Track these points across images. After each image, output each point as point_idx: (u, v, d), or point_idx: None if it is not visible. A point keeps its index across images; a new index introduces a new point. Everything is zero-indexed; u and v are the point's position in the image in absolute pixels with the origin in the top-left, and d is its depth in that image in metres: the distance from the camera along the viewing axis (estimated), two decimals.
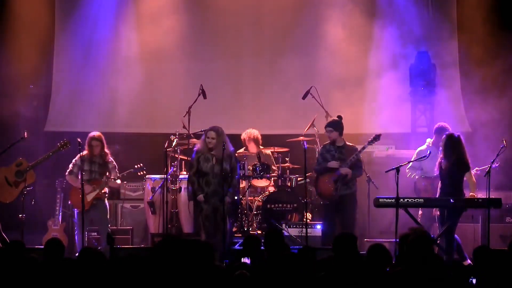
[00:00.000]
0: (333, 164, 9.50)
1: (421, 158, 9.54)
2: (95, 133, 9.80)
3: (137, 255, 5.71)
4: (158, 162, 10.20)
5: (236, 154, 10.15)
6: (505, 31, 11.57)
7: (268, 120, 12.01)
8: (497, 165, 9.53)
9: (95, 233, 10.22)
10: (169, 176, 10.13)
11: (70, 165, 9.82)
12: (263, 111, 12.23)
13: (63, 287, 5.88)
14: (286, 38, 12.36)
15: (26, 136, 10.09)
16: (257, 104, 12.35)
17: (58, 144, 9.98)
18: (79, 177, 9.55)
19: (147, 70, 12.32)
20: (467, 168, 9.05)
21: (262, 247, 6.84)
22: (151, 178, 10.56)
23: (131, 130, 12.29)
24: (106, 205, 9.85)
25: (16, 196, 9.98)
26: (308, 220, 10.09)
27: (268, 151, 11.14)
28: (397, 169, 8.66)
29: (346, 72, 11.94)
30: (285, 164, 10.97)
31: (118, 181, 9.89)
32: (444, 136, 9.15)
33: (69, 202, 10.01)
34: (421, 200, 9.04)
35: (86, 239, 9.67)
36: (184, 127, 10.27)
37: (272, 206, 10.45)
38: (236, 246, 9.55)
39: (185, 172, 10.46)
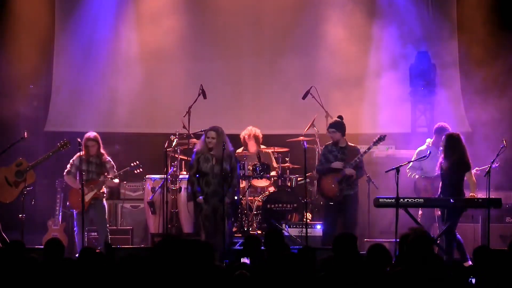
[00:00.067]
0: (337, 164, 9.48)
1: (421, 158, 9.54)
2: (91, 134, 9.80)
3: (137, 255, 5.70)
4: (158, 162, 10.20)
5: (236, 154, 10.16)
6: (505, 31, 11.57)
7: (268, 120, 12.00)
8: (497, 165, 9.53)
9: (95, 233, 10.21)
10: (169, 176, 10.13)
11: (68, 166, 9.83)
12: (263, 111, 12.23)
13: (63, 287, 5.88)
14: (286, 38, 12.35)
15: (26, 136, 10.10)
16: (257, 104, 12.35)
17: (58, 144, 9.99)
18: (77, 177, 9.58)
19: (147, 70, 12.31)
20: (467, 168, 9.05)
21: (262, 247, 6.84)
22: (151, 178, 10.56)
23: (131, 130, 12.29)
24: (104, 205, 9.86)
25: (16, 196, 9.98)
26: (308, 220, 10.09)
27: (267, 150, 11.13)
28: (397, 169, 8.66)
29: (346, 72, 11.94)
30: (285, 164, 10.97)
31: (116, 180, 9.90)
32: (444, 136, 9.16)
33: (68, 203, 10.01)
34: (421, 200, 9.04)
35: (86, 239, 9.67)
36: (184, 127, 10.27)
37: (272, 206, 10.45)
38: (236, 246, 9.55)
39: (185, 172, 10.46)
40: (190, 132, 10.32)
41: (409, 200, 8.87)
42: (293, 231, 10.05)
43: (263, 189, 10.88)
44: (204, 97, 10.45)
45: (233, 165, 9.32)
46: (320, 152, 10.41)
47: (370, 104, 11.96)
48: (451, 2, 12.19)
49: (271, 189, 10.86)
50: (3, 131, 11.38)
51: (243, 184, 10.59)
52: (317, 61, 12.15)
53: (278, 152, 11.00)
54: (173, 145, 10.23)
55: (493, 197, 8.96)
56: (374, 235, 10.18)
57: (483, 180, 9.11)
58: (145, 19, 12.36)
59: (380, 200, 8.85)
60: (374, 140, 9.61)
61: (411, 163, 9.74)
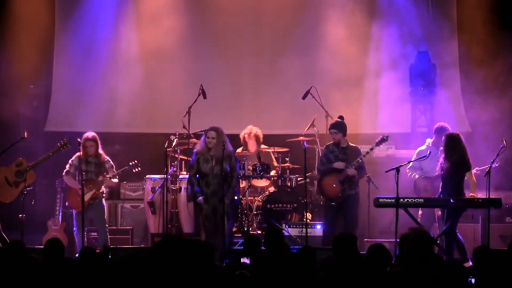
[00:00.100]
0: (339, 165, 9.47)
1: (421, 158, 9.54)
2: (89, 134, 9.80)
3: (137, 255, 5.70)
4: (158, 162, 10.20)
5: (236, 154, 10.16)
6: (505, 31, 11.56)
7: (268, 120, 12.00)
8: (497, 165, 9.52)
9: (95, 233, 10.21)
10: (169, 176, 10.13)
11: (67, 166, 9.82)
12: (263, 111, 12.23)
13: (63, 287, 5.88)
14: (286, 38, 12.35)
15: (26, 136, 10.10)
16: (257, 104, 12.35)
17: (58, 144, 9.99)
18: (76, 178, 9.59)
19: (147, 70, 12.31)
20: (468, 168, 9.05)
21: (262, 247, 6.84)
22: (151, 178, 10.56)
23: (131, 130, 12.29)
24: (103, 205, 9.86)
25: (16, 196, 9.98)
26: (308, 220, 10.09)
27: (268, 150, 11.12)
28: (397, 169, 8.66)
29: (346, 72, 11.94)
30: (285, 164, 10.97)
31: (115, 180, 9.90)
32: (444, 136, 9.16)
33: (67, 204, 10.00)
34: (421, 200, 9.04)
35: (85, 239, 9.67)
36: (184, 127, 10.27)
37: (272, 206, 10.45)
38: (236, 246, 9.55)
39: (185, 172, 10.46)
40: (190, 132, 10.33)
41: (409, 200, 8.87)
42: (293, 231, 10.05)
43: (263, 189, 10.88)
44: (204, 97, 10.45)
45: (233, 165, 9.32)
46: (320, 152, 10.42)
47: (370, 104, 11.97)
48: (451, 2, 12.19)
49: (271, 189, 10.86)
50: (3, 131, 11.38)
51: (243, 184, 10.59)
52: (317, 61, 12.15)
53: (278, 152, 10.99)
54: (173, 145, 10.23)
55: (493, 197, 8.96)
56: (374, 235, 10.18)
57: (483, 180, 9.11)
58: (145, 19, 12.36)
59: (380, 200, 8.85)
60: (377, 140, 9.60)
61: (411, 163, 9.74)
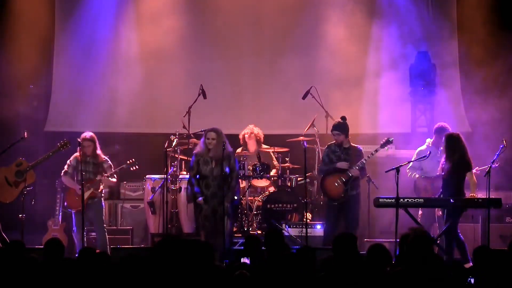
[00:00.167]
0: (342, 165, 9.45)
1: (421, 158, 9.54)
2: (87, 134, 9.79)
3: (137, 255, 5.70)
4: (158, 162, 10.20)
5: (236, 154, 10.15)
6: (505, 31, 11.56)
7: (268, 120, 11.99)
8: (497, 165, 9.52)
9: (95, 233, 10.20)
10: (169, 176, 10.13)
11: (65, 166, 9.83)
12: (263, 111, 12.22)
13: (63, 287, 5.88)
14: (286, 38, 12.35)
15: (26, 136, 10.09)
16: (257, 104, 12.35)
17: (58, 144, 9.98)
18: (74, 178, 9.59)
19: (147, 70, 12.31)
20: (468, 168, 9.04)
21: (263, 247, 6.85)
22: (151, 178, 10.56)
23: (131, 130, 12.29)
24: (102, 205, 9.87)
25: (16, 196, 9.98)
26: (308, 220, 10.09)
27: (268, 150, 11.12)
28: (397, 169, 8.66)
29: (346, 72, 11.94)
30: (285, 164, 10.97)
31: (114, 179, 9.90)
32: (444, 137, 9.16)
33: (65, 204, 10.00)
34: (421, 200, 9.04)
35: (85, 239, 9.67)
36: (184, 127, 10.27)
37: (272, 206, 10.45)
38: (236, 246, 9.55)
39: (185, 172, 10.46)
40: (190, 132, 10.33)
41: (409, 200, 8.87)
42: (293, 231, 10.05)
43: (263, 189, 10.88)
44: (204, 97, 10.45)
45: (232, 166, 9.32)
46: (320, 152, 10.42)
47: (370, 104, 11.96)
48: (451, 2, 12.19)
49: (271, 189, 10.86)
50: (3, 131, 11.37)
51: (243, 184, 10.59)
52: (317, 61, 12.15)
53: (278, 152, 10.99)
54: (173, 145, 10.23)
55: (493, 197, 8.96)
56: (374, 235, 10.18)
57: (483, 180, 9.11)
58: (145, 19, 12.36)
59: (380, 200, 8.85)
60: (382, 142, 9.58)
61: (411, 163, 9.74)
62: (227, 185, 9.23)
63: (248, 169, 10.59)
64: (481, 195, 9.19)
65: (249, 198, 10.75)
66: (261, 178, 10.63)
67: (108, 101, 12.23)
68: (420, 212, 9.73)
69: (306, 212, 10.09)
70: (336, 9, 12.12)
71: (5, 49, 11.93)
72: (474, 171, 9.36)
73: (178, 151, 10.39)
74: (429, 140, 10.02)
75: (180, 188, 10.34)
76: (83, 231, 9.38)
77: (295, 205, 10.44)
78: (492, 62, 11.43)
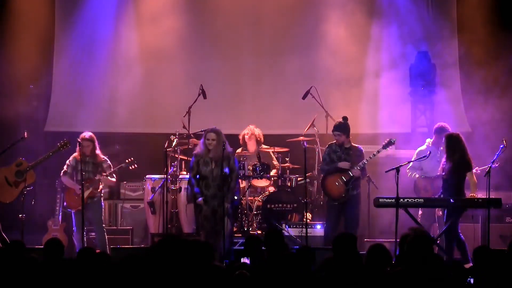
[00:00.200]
0: (344, 165, 9.44)
1: (421, 158, 9.54)
2: (86, 134, 9.79)
3: (137, 255, 5.70)
4: (158, 162, 10.20)
5: (236, 154, 10.15)
6: (506, 31, 11.57)
7: (268, 120, 11.99)
8: (497, 165, 9.52)
9: (94, 233, 10.20)
10: (169, 176, 10.13)
11: (65, 167, 9.82)
12: (263, 111, 12.22)
13: (63, 287, 5.88)
14: (286, 38, 12.35)
15: (26, 136, 10.10)
16: (257, 104, 12.34)
17: (58, 144, 9.98)
18: (74, 178, 9.59)
19: (147, 70, 12.31)
20: (469, 168, 9.04)
21: (263, 247, 6.84)
22: (151, 178, 10.55)
23: (131, 130, 12.29)
24: (101, 205, 9.87)
25: (16, 196, 9.98)
26: (308, 220, 10.08)
27: (267, 149, 11.12)
28: (397, 169, 8.66)
29: (346, 72, 11.93)
30: (285, 164, 10.96)
31: (113, 179, 9.90)
32: (443, 137, 9.16)
33: (65, 204, 10.00)
34: (421, 200, 9.04)
35: (85, 239, 9.67)
36: (184, 127, 10.27)
37: (272, 206, 10.45)
38: (236, 246, 9.55)
39: (185, 172, 10.46)
40: (190, 132, 10.32)
41: (409, 200, 8.87)
42: (293, 231, 10.05)
43: (263, 189, 10.88)
44: (204, 97, 10.45)
45: (232, 166, 9.30)
46: (320, 152, 10.42)
47: (370, 104, 11.96)
48: (451, 2, 12.19)
49: (271, 189, 10.86)
50: (3, 131, 11.38)
51: (243, 184, 10.58)
52: (317, 61, 12.14)
53: (278, 152, 10.99)
54: (173, 145, 10.23)
55: (493, 197, 8.96)
56: (374, 235, 10.18)
57: (483, 180, 9.11)
58: (145, 19, 12.35)
59: (380, 200, 8.85)
60: (384, 143, 9.57)
61: (411, 163, 9.74)
62: (227, 186, 9.22)
63: (248, 169, 10.59)
64: (481, 195, 9.19)
65: (249, 198, 10.75)
66: (261, 178, 10.62)
67: (108, 101, 12.23)
68: (420, 212, 9.72)
69: (306, 212, 10.09)
70: (336, 9, 12.12)
71: (5, 49, 11.93)
72: (474, 171, 9.37)
73: (178, 151, 10.39)
74: (429, 140, 10.02)
75: (180, 188, 10.34)
76: (83, 231, 9.39)
77: (295, 205, 10.44)
78: (492, 62, 11.44)
